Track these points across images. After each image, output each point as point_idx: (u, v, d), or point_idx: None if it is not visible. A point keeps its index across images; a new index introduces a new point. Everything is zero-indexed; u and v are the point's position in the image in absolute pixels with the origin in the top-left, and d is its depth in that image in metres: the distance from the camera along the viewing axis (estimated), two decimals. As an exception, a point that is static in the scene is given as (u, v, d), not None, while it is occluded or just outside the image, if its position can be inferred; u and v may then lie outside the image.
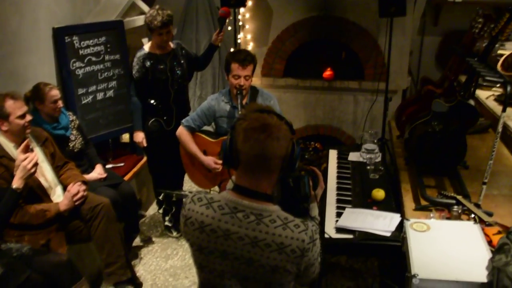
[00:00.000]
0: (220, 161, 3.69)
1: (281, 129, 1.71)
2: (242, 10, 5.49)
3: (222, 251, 1.74)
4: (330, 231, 2.81)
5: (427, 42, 6.13)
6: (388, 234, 2.70)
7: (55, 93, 3.51)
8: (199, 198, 1.81)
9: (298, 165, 1.83)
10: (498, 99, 4.39)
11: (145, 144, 4.17)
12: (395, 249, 2.63)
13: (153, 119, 4.12)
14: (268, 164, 1.72)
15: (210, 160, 3.69)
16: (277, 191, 1.83)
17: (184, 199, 1.88)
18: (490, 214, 2.71)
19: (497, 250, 2.17)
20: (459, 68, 3.38)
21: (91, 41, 4.18)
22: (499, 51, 4.71)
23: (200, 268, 1.84)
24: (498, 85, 4.43)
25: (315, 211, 1.97)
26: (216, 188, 3.90)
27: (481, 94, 4.56)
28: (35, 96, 3.48)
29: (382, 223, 2.79)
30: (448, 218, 2.71)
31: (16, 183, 2.84)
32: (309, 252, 1.71)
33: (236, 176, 1.79)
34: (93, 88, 4.27)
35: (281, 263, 1.69)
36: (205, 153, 3.75)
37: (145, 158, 4.67)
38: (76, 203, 3.26)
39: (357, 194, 3.22)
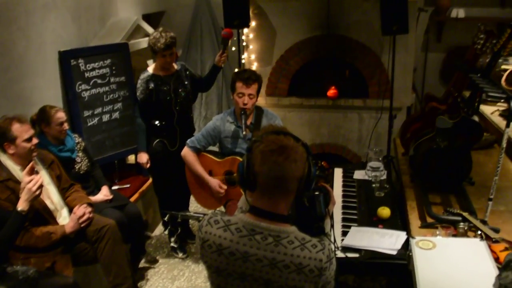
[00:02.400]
0: (225, 186, 3.70)
1: (298, 151, 1.73)
2: (245, 30, 5.54)
3: (240, 273, 1.74)
4: (336, 250, 2.79)
5: (431, 58, 6.16)
6: (394, 253, 2.68)
7: (61, 115, 3.54)
8: (215, 220, 1.82)
9: None
10: (503, 114, 4.37)
11: (148, 165, 4.18)
12: (401, 267, 2.61)
13: (157, 140, 4.14)
14: (286, 186, 1.73)
15: (215, 183, 3.69)
16: (292, 211, 1.84)
17: (200, 221, 1.88)
18: (497, 231, 2.69)
19: (504, 267, 2.15)
20: (463, 84, 3.38)
21: (96, 63, 4.23)
22: (503, 66, 4.71)
23: None
24: (502, 100, 4.42)
25: (327, 227, 1.99)
26: (222, 208, 3.89)
27: (486, 109, 4.54)
28: (41, 119, 3.51)
29: (388, 241, 2.77)
30: (454, 235, 2.68)
31: (21, 205, 2.85)
32: (326, 271, 1.71)
33: (253, 198, 1.80)
34: (98, 110, 4.31)
35: (299, 283, 1.69)
36: (210, 173, 3.76)
37: (151, 179, 4.68)
38: (82, 225, 3.26)
39: (362, 213, 3.21)
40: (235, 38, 4.91)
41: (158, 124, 4.10)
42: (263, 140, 1.74)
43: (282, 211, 1.76)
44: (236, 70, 4.78)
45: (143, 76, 4.03)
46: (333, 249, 1.80)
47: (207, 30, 5.82)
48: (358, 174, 3.78)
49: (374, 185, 3.45)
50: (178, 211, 3.90)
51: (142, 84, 4.01)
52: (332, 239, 1.92)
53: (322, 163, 3.54)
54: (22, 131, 3.02)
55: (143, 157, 4.15)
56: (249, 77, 3.50)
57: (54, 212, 3.24)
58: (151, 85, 3.99)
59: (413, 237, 2.58)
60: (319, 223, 1.88)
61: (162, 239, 4.71)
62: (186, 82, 4.13)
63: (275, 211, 1.74)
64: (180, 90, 4.07)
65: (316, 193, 1.87)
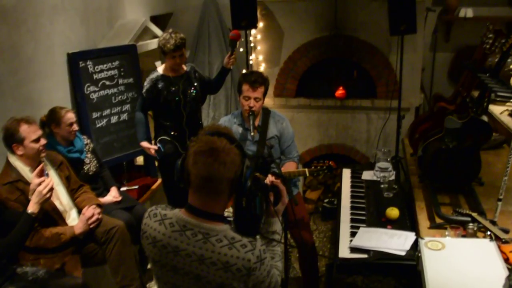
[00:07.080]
0: None
1: (229, 153, 1.74)
2: (253, 31, 5.54)
3: (172, 266, 1.79)
4: (345, 250, 2.79)
5: (439, 58, 6.12)
6: (403, 253, 2.68)
7: (71, 116, 3.56)
8: (154, 213, 1.88)
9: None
10: (512, 114, 4.36)
11: (157, 147, 4.04)
12: (410, 268, 2.61)
13: (168, 141, 4.10)
14: (215, 187, 1.75)
15: None
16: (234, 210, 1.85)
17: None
18: (506, 231, 2.68)
19: (514, 267, 2.14)
20: (471, 84, 3.37)
21: (105, 65, 4.25)
22: (512, 66, 4.69)
23: (157, 279, 1.91)
24: (511, 100, 4.40)
25: (275, 226, 2.01)
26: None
27: (495, 109, 4.52)
28: (51, 119, 3.52)
29: (396, 242, 2.76)
30: (463, 236, 2.67)
31: (32, 208, 2.85)
32: (256, 271, 1.73)
33: (189, 195, 1.83)
34: (107, 111, 4.32)
35: (227, 281, 1.72)
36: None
37: (159, 180, 4.69)
38: (91, 226, 3.27)
39: (371, 213, 3.21)
40: (242, 39, 4.91)
41: (167, 125, 4.08)
42: (197, 141, 1.77)
43: (213, 209, 1.78)
44: (244, 71, 4.77)
45: (152, 76, 4.03)
46: (266, 250, 1.80)
47: (215, 32, 5.82)
48: (367, 175, 3.77)
49: (382, 186, 3.44)
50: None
51: (150, 83, 3.98)
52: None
53: (330, 162, 3.54)
54: (30, 132, 3.03)
55: (147, 146, 4.00)
56: (256, 80, 3.46)
57: (63, 213, 3.25)
58: (160, 85, 3.99)
59: (422, 238, 2.57)
60: (256, 224, 1.88)
61: (170, 240, 4.71)
62: (195, 84, 4.12)
63: (206, 209, 1.78)
64: (189, 91, 4.06)
65: (259, 194, 1.85)
